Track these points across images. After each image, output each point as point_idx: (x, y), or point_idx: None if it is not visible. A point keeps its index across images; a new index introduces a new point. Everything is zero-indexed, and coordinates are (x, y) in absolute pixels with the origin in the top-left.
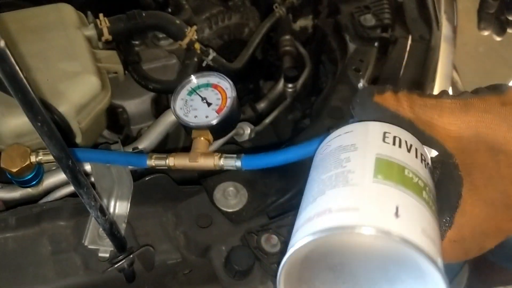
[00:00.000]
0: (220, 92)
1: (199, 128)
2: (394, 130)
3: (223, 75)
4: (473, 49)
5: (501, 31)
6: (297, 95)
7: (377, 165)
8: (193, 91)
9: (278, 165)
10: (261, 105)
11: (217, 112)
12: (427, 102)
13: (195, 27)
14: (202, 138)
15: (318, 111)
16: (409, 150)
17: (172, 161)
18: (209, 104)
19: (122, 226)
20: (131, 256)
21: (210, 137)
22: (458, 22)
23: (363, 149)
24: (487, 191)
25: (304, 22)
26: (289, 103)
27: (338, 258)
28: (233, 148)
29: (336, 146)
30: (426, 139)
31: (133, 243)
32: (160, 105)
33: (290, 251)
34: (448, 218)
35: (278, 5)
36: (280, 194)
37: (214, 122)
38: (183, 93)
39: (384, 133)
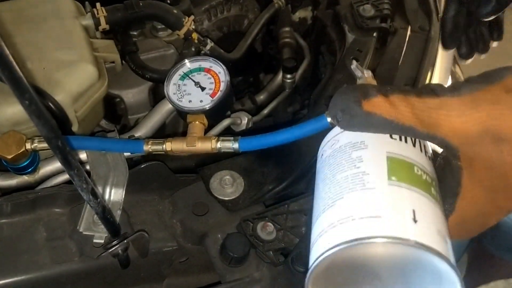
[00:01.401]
0: (213, 76)
1: (194, 112)
2: None
3: (216, 60)
4: None
5: (484, 48)
6: (297, 87)
7: (390, 166)
8: (186, 75)
9: (275, 146)
10: (261, 97)
11: (211, 96)
12: (429, 103)
13: (192, 17)
14: (197, 122)
15: (315, 101)
16: (414, 144)
17: (169, 146)
18: (202, 89)
19: (117, 213)
20: (125, 241)
21: (205, 121)
22: None
23: (373, 147)
24: (487, 178)
25: (304, 13)
26: (288, 94)
27: (360, 262)
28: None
29: (346, 143)
30: (428, 138)
31: (129, 230)
32: (158, 95)
33: (319, 259)
34: (450, 205)
35: None
36: (276, 182)
37: (209, 106)
38: (175, 78)
39: None
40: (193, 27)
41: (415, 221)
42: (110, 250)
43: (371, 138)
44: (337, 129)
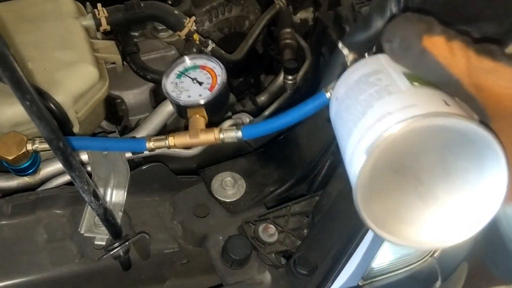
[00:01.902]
0: (208, 72)
1: (194, 106)
2: None
3: (210, 56)
4: None
5: None
6: (298, 88)
7: (408, 77)
8: (182, 73)
9: (278, 130)
10: (262, 98)
11: (210, 89)
12: (483, 64)
13: (193, 18)
14: (198, 116)
15: None
16: None
17: (172, 141)
18: (200, 83)
19: (119, 215)
20: (127, 243)
21: (205, 115)
22: None
23: (388, 70)
24: (511, 154)
25: (305, 14)
26: (290, 96)
27: (401, 160)
28: None
29: (360, 75)
30: (468, 98)
31: (129, 232)
32: (159, 96)
33: (367, 153)
34: None
35: None
36: (278, 184)
37: (209, 99)
38: (172, 77)
39: None
40: (194, 28)
41: (448, 105)
42: (112, 252)
43: (383, 65)
44: (346, 72)
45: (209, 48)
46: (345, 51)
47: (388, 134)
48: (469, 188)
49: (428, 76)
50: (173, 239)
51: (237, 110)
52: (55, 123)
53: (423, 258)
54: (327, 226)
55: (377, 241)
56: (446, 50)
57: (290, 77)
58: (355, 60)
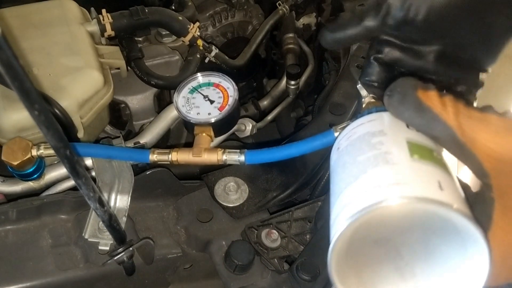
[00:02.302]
0: (221, 91)
1: (202, 124)
2: None
3: (225, 75)
4: None
5: None
6: (300, 93)
7: (410, 147)
8: (195, 89)
9: (281, 160)
10: (264, 103)
11: (220, 109)
12: (472, 113)
13: (197, 24)
14: (204, 134)
15: (320, 108)
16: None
17: (175, 156)
18: (211, 102)
19: (123, 220)
20: (131, 248)
21: (212, 134)
22: None
23: (393, 134)
24: None
25: (308, 20)
26: (292, 100)
27: (383, 233)
28: (235, 144)
29: (364, 133)
30: (463, 154)
31: (133, 237)
32: (163, 101)
33: (347, 222)
34: None
35: (281, 2)
36: (281, 189)
37: (217, 119)
38: (185, 91)
39: None
40: (198, 34)
41: (441, 189)
42: (116, 257)
43: (389, 128)
44: (353, 124)
45: (213, 53)
46: (363, 92)
47: (373, 208)
48: (448, 272)
49: (424, 128)
50: (177, 244)
51: (240, 115)
52: (61, 131)
53: None
54: (329, 231)
55: None
56: (438, 101)
57: (292, 82)
58: (368, 105)
